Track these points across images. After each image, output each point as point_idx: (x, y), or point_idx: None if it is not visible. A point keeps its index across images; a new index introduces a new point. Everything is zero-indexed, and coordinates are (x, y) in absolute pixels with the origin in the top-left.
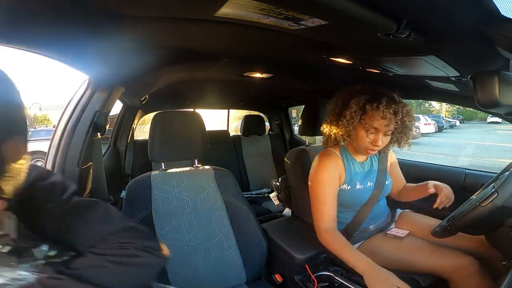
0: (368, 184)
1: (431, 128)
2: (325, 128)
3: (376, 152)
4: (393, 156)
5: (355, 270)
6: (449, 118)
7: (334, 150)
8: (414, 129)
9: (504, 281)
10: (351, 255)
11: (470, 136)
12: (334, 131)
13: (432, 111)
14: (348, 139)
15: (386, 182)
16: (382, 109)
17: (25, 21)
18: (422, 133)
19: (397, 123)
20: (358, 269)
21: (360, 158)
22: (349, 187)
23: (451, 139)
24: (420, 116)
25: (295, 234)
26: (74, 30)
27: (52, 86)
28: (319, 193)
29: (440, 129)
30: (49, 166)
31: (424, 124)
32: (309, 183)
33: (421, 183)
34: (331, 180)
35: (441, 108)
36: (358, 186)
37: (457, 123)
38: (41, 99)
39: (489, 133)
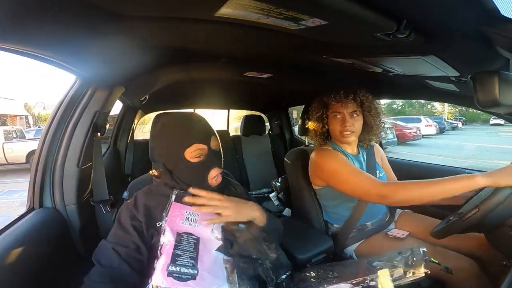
0: None
1: (432, 130)
2: (310, 132)
3: (350, 134)
4: (381, 150)
5: (474, 187)
6: (452, 120)
7: (326, 147)
8: (382, 119)
9: (504, 281)
10: (443, 183)
11: (471, 138)
12: (313, 128)
13: (435, 112)
14: (325, 133)
15: (379, 175)
16: (341, 97)
17: (23, 20)
18: (422, 135)
19: (364, 110)
20: (477, 185)
21: (351, 150)
22: None
23: (452, 141)
24: (422, 117)
25: (295, 234)
26: (73, 30)
27: (56, 85)
28: (344, 167)
29: (441, 130)
30: (48, 166)
31: (425, 126)
32: (324, 173)
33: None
34: (342, 157)
35: (444, 109)
36: None
37: (460, 125)
38: (45, 98)
39: (491, 135)
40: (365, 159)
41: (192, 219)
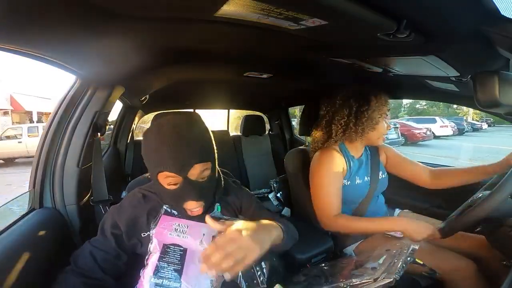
0: (366, 178)
1: (448, 131)
2: (321, 130)
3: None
4: (390, 151)
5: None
6: (476, 120)
7: (335, 147)
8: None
9: (504, 281)
10: (375, 224)
11: (491, 140)
12: (340, 130)
13: (459, 113)
14: (363, 133)
15: (382, 176)
16: (383, 98)
17: (23, 21)
18: (438, 135)
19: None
20: (393, 231)
21: (356, 154)
22: (349, 182)
23: (466, 142)
24: (437, 118)
25: None
26: (73, 30)
27: (64, 82)
28: (325, 185)
29: (460, 131)
30: (47, 166)
31: (440, 127)
32: (312, 177)
33: (476, 166)
34: (336, 173)
35: (468, 110)
36: (357, 181)
37: (485, 126)
38: (52, 96)
39: None
40: (369, 160)
41: (181, 230)
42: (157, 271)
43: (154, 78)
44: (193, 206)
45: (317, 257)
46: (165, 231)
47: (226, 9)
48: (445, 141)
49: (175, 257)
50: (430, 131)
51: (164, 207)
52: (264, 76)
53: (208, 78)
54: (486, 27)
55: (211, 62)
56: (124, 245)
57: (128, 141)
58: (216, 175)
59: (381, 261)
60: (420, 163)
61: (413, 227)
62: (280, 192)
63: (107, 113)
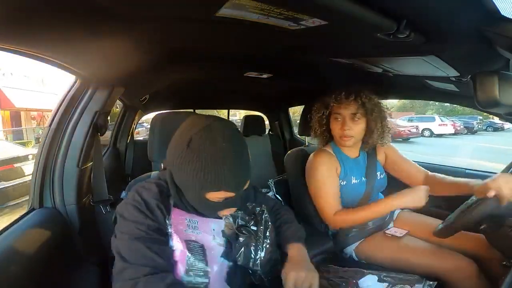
0: (363, 178)
1: (448, 129)
2: (312, 131)
3: (349, 139)
4: (390, 149)
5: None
6: (496, 119)
7: (327, 148)
8: (387, 121)
9: (504, 281)
10: (372, 210)
11: (506, 139)
12: (315, 129)
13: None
14: (327, 134)
15: (380, 176)
16: (342, 98)
17: (23, 21)
18: (436, 133)
19: (366, 113)
20: (394, 208)
21: (352, 154)
22: (344, 182)
23: (469, 142)
24: (436, 116)
25: None
26: (73, 30)
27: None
28: (322, 186)
29: (470, 130)
30: (47, 166)
31: (438, 125)
32: (308, 181)
33: (467, 181)
34: (329, 173)
35: None
36: (353, 181)
37: (508, 125)
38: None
39: None
40: (366, 162)
41: (193, 226)
42: (188, 268)
43: (154, 78)
44: (229, 212)
45: (317, 257)
46: (180, 227)
47: (226, 9)
48: (439, 140)
49: (199, 254)
50: (417, 128)
51: (172, 198)
52: (264, 76)
53: (208, 78)
54: (486, 27)
55: (211, 62)
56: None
57: (128, 141)
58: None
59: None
60: (418, 166)
61: (409, 197)
62: (276, 192)
63: (107, 113)
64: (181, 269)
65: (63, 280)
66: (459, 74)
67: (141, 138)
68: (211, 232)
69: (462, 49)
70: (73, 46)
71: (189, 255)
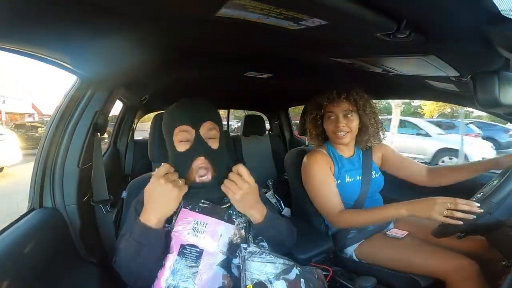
0: (357, 177)
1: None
2: (307, 133)
3: (345, 135)
4: (384, 148)
5: (399, 217)
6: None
7: (320, 149)
8: (379, 118)
9: (504, 281)
10: (379, 213)
11: None
12: (309, 129)
13: None
14: (322, 134)
15: (376, 176)
16: (334, 97)
17: (23, 20)
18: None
19: (359, 110)
20: (401, 215)
21: (346, 154)
22: (339, 180)
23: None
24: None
25: None
26: (73, 29)
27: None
28: (318, 186)
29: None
30: (47, 165)
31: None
32: (305, 183)
33: (478, 161)
34: (324, 172)
35: None
36: (348, 179)
37: None
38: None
39: None
40: (361, 161)
41: (199, 230)
42: (172, 273)
43: (154, 78)
44: (201, 162)
45: (317, 257)
46: (184, 230)
47: (226, 9)
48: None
49: (192, 259)
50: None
51: (184, 198)
52: (264, 76)
53: (208, 77)
54: (486, 27)
55: (211, 62)
56: None
57: (128, 141)
58: (225, 152)
59: None
60: (417, 162)
61: (418, 206)
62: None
63: (107, 113)
64: (166, 273)
65: (63, 280)
66: (459, 74)
67: (141, 138)
68: (217, 238)
69: (462, 49)
70: (73, 46)
71: (180, 260)
